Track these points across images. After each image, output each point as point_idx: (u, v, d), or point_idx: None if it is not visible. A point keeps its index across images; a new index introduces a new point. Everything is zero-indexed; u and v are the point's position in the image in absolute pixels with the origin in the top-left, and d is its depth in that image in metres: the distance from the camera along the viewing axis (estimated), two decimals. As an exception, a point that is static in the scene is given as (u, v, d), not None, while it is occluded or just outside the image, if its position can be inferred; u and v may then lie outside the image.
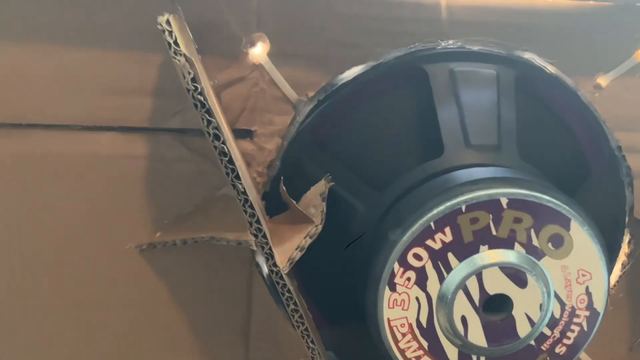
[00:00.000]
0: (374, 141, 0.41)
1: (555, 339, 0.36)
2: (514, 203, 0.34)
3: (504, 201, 0.34)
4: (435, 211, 0.34)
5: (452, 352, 0.36)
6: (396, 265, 0.34)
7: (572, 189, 0.40)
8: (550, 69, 0.42)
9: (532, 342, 0.36)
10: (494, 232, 0.34)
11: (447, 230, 0.34)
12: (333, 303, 0.42)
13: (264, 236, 0.34)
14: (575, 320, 0.36)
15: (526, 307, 0.35)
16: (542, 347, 0.37)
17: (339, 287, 0.41)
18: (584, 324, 0.36)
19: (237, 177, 0.32)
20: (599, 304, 0.36)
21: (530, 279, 0.34)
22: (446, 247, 0.34)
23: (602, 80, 0.42)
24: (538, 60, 0.42)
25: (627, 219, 0.44)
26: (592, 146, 0.43)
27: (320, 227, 0.38)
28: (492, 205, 0.34)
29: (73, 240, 0.41)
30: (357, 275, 0.40)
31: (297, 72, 0.41)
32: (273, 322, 0.45)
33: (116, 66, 0.39)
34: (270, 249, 0.34)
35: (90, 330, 0.43)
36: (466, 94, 0.39)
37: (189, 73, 0.30)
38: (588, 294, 0.36)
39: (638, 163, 0.43)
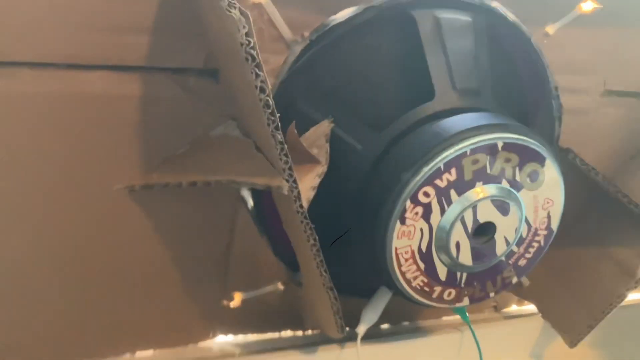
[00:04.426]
0: (364, 83, 0.43)
1: (520, 254, 0.44)
2: (507, 146, 0.39)
3: (500, 144, 0.39)
4: (444, 154, 0.38)
5: (442, 271, 0.42)
6: (408, 202, 0.38)
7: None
8: (511, 17, 0.47)
9: (503, 258, 0.43)
10: (488, 171, 0.39)
11: (453, 170, 0.38)
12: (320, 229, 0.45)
13: (294, 181, 0.36)
14: (536, 238, 0.44)
15: (505, 231, 0.42)
16: (510, 262, 0.44)
17: (327, 215, 0.44)
18: (542, 241, 0.44)
19: (277, 128, 0.34)
20: (555, 225, 0.44)
21: (512, 208, 0.41)
22: (450, 184, 0.39)
23: (550, 29, 0.48)
24: (501, 9, 0.46)
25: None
26: (536, 86, 0.50)
27: (326, 167, 0.41)
28: (490, 148, 0.39)
29: (61, 182, 0.40)
30: (349, 206, 0.43)
31: (295, 13, 0.41)
32: (252, 251, 0.48)
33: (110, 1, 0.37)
34: (298, 192, 0.36)
35: (76, 272, 0.43)
36: (450, 40, 0.43)
37: (244, 27, 0.30)
38: (548, 217, 0.43)
39: (569, 101, 0.51)
